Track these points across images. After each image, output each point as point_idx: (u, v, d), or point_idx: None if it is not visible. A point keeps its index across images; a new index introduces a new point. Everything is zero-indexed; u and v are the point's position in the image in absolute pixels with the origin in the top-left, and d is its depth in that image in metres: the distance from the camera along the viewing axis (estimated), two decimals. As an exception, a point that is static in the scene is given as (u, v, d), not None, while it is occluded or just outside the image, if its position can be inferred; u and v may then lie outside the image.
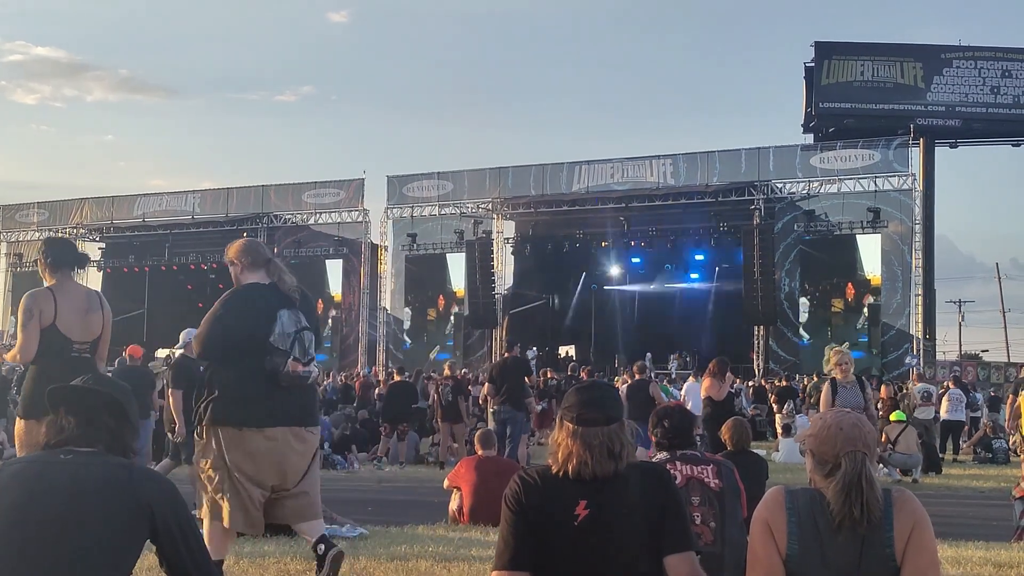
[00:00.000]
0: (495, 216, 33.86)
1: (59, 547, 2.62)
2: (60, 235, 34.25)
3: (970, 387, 20.79)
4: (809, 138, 32.90)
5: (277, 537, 6.36)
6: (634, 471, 2.93)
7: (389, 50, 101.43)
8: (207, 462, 4.64)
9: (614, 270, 35.00)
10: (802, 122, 33.46)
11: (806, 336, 30.92)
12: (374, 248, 35.81)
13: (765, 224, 29.31)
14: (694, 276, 34.45)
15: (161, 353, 22.11)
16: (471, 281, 32.53)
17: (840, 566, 2.75)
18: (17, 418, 5.37)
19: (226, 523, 4.57)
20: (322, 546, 4.63)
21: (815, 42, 32.84)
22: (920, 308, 29.12)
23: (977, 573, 6.04)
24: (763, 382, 25.01)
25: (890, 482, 11.96)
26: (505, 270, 34.54)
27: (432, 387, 17.72)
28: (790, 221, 30.58)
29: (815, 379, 21.63)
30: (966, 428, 18.90)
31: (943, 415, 17.80)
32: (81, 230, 38.43)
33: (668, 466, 4.63)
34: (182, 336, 9.49)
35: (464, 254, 33.12)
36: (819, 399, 10.11)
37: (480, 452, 8.90)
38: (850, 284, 31.09)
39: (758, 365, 29.99)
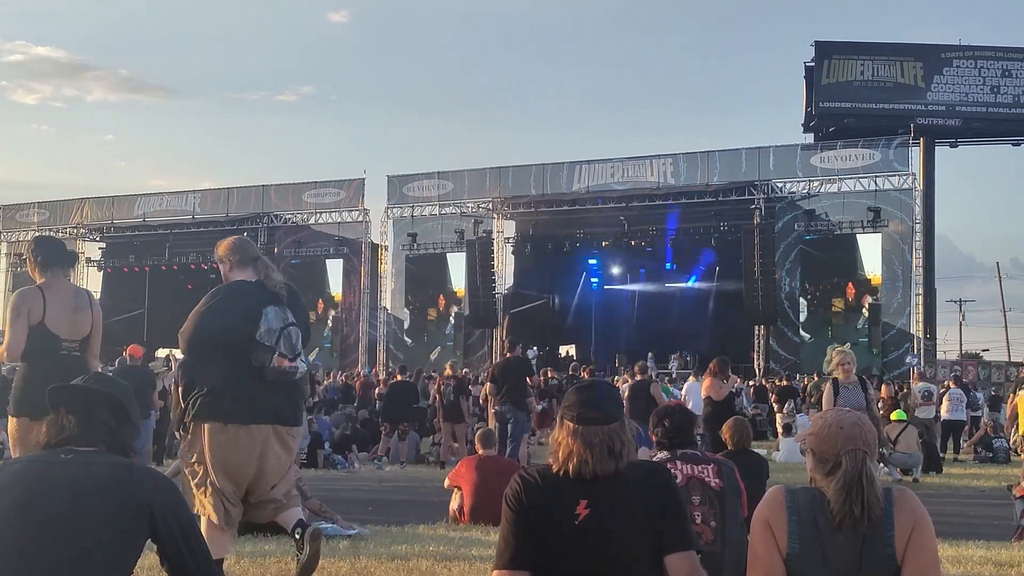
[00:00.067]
0: (495, 216, 33.85)
1: (59, 546, 2.62)
2: (57, 235, 34.26)
3: (971, 386, 20.77)
4: (809, 138, 32.90)
5: (278, 536, 6.36)
6: (635, 470, 2.94)
7: (389, 50, 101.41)
8: (193, 456, 4.66)
9: (614, 270, 35.00)
10: (802, 122, 33.46)
11: (806, 336, 30.92)
12: (374, 248, 35.80)
13: (765, 224, 29.29)
14: (694, 276, 34.45)
15: (161, 353, 22.16)
16: (471, 281, 32.53)
17: (841, 565, 2.75)
18: (9, 416, 5.40)
19: (213, 519, 4.59)
20: (299, 529, 4.66)
21: (815, 42, 32.83)
22: (920, 307, 29.11)
23: (977, 572, 6.04)
24: (764, 382, 25.02)
25: (891, 481, 11.97)
26: (505, 270, 34.55)
27: (432, 387, 17.73)
28: (790, 221, 30.57)
29: (815, 379, 21.64)
30: (967, 427, 18.91)
31: (944, 414, 17.82)
32: (81, 230, 38.43)
33: (669, 465, 4.64)
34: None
35: (464, 254, 33.12)
36: (819, 399, 10.10)
37: (481, 451, 8.89)
38: (850, 284, 31.07)
39: (758, 365, 29.99)
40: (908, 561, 2.73)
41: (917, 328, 29.03)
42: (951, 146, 32.93)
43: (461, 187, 34.13)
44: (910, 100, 31.64)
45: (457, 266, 34.33)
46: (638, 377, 13.77)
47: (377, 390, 20.58)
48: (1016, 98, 31.45)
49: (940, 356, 32.62)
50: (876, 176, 29.49)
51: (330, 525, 7.25)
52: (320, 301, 35.69)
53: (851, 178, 29.85)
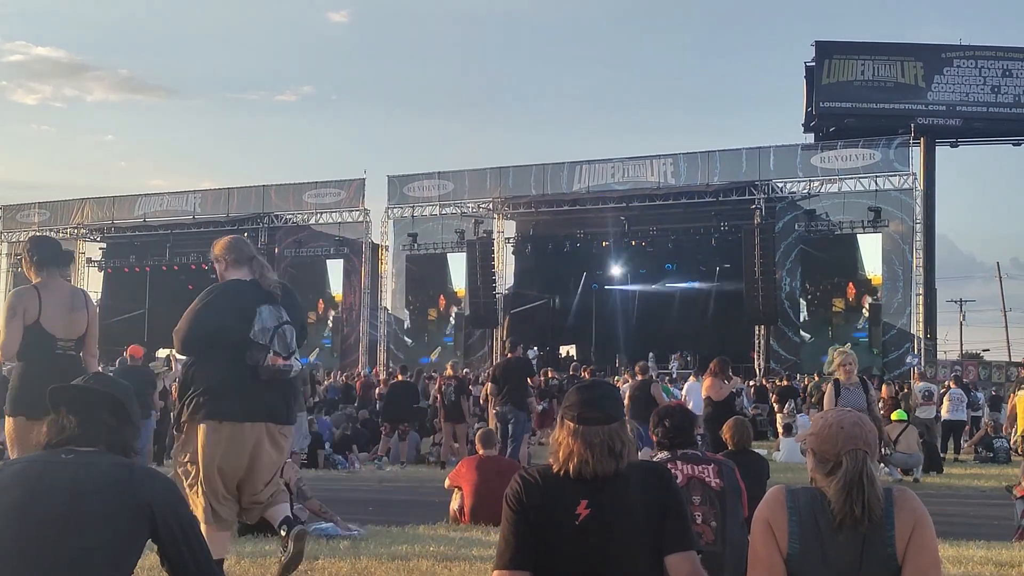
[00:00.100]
0: (496, 216, 33.85)
1: (60, 547, 2.62)
2: (58, 235, 34.32)
3: (971, 386, 20.76)
4: (810, 137, 32.87)
5: (278, 537, 6.35)
6: (635, 470, 2.94)
7: (389, 50, 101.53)
8: (186, 456, 4.67)
9: (615, 270, 34.98)
10: (803, 121, 33.42)
11: (807, 336, 30.91)
12: (375, 248, 35.79)
13: (766, 224, 29.27)
14: (695, 276, 34.44)
15: (162, 353, 22.13)
16: (472, 281, 32.52)
17: (841, 565, 2.75)
18: (6, 416, 5.41)
19: (201, 519, 4.59)
20: (285, 527, 4.67)
21: (815, 41, 32.81)
22: (921, 307, 29.10)
23: (978, 572, 6.04)
24: (764, 382, 25.02)
25: (891, 481, 11.96)
26: (506, 270, 34.54)
27: (433, 387, 17.72)
28: (791, 221, 30.56)
29: (816, 379, 21.64)
30: (967, 428, 18.91)
31: (944, 414, 17.82)
32: (82, 230, 38.42)
33: (669, 465, 4.64)
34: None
35: (465, 254, 33.11)
36: (820, 399, 10.09)
37: (481, 452, 8.89)
38: (851, 283, 31.05)
39: (759, 365, 29.98)
40: (909, 561, 2.73)
41: (917, 328, 29.02)
42: (951, 146, 32.91)
43: (461, 187, 34.12)
44: (910, 100, 31.62)
45: (457, 266, 34.32)
46: (639, 377, 13.76)
47: (377, 390, 20.58)
48: (1016, 98, 31.43)
49: (940, 356, 32.63)
50: (876, 176, 29.47)
51: (329, 525, 7.27)
52: (320, 301, 35.69)
53: (851, 178, 29.83)
